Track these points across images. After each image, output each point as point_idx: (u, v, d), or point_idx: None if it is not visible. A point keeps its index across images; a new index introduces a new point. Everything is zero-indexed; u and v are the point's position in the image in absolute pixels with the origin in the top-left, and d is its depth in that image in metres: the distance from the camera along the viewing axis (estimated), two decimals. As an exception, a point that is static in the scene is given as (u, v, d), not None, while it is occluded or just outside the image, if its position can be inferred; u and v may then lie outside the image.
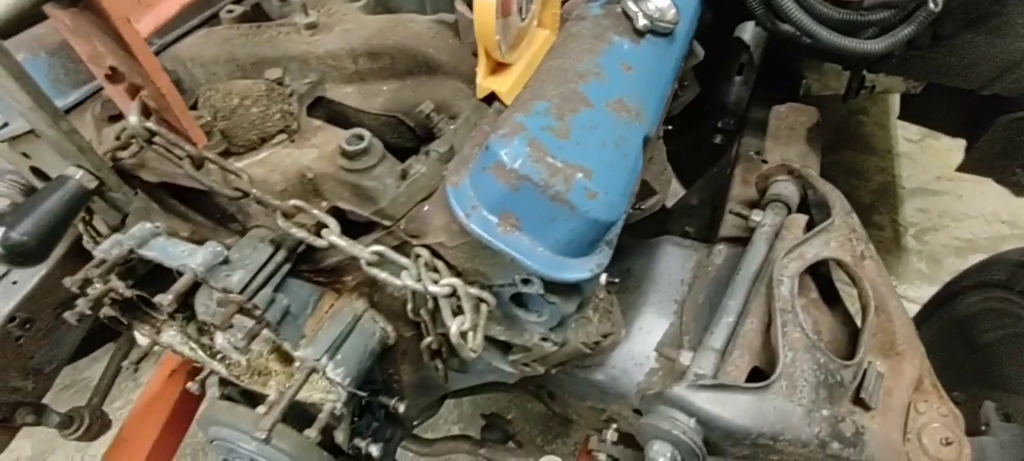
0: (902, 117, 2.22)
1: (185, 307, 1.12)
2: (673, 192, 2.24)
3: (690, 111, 1.62)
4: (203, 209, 1.09)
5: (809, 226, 1.26)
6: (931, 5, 1.06)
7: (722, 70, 1.70)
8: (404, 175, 0.92)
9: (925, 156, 2.91)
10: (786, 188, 1.31)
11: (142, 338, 1.24)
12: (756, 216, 1.29)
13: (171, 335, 1.19)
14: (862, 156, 2.96)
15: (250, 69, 1.08)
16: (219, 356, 1.16)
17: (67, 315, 1.05)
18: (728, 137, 1.78)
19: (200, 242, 1.05)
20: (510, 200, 0.83)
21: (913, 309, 1.83)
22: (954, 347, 1.60)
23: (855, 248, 1.19)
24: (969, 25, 1.38)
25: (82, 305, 1.03)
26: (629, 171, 0.91)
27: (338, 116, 1.09)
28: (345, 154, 0.91)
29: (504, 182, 0.82)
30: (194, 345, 1.17)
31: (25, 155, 1.17)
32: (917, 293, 2.45)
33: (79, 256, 1.29)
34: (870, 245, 1.22)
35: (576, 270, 0.87)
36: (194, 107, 1.03)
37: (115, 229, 1.14)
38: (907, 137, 2.99)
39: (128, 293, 1.05)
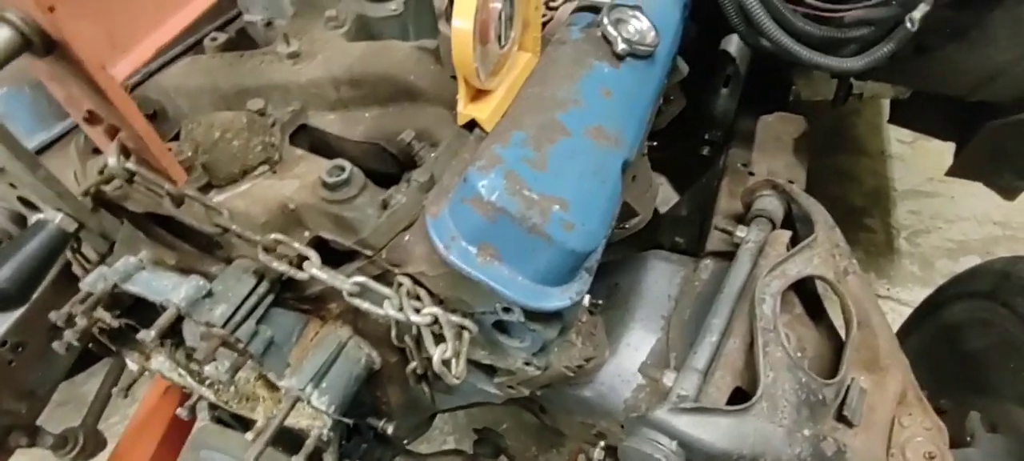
0: (892, 121, 2.22)
1: (173, 333, 1.13)
2: (666, 199, 2.25)
3: (679, 121, 1.63)
4: (189, 237, 1.10)
5: (794, 241, 1.27)
6: (907, 25, 1.06)
7: (708, 82, 1.71)
8: (385, 205, 0.93)
9: (917, 158, 2.92)
10: (770, 203, 1.31)
11: (132, 364, 1.25)
12: (741, 232, 1.30)
13: (160, 361, 1.20)
14: (854, 158, 2.96)
15: (233, 99, 1.09)
16: (208, 382, 1.17)
17: (56, 345, 1.06)
18: (716, 148, 1.79)
19: (187, 270, 1.06)
20: (488, 231, 0.84)
21: (906, 312, 1.84)
22: (942, 355, 1.61)
23: (838, 264, 1.20)
24: (951, 37, 1.39)
25: (70, 336, 1.04)
26: (607, 199, 0.91)
27: (321, 143, 1.10)
28: (326, 185, 0.92)
29: (482, 214, 0.83)
30: (183, 371, 1.18)
31: (12, 186, 1.18)
32: (910, 296, 2.46)
33: (70, 280, 1.30)
34: (853, 260, 1.23)
35: (555, 299, 0.88)
36: (177, 138, 1.04)
37: (104, 256, 1.15)
38: (899, 139, 2.99)
39: (115, 323, 1.06)
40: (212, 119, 0.96)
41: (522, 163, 0.85)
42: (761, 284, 1.11)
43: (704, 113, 1.73)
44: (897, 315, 2.11)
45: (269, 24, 1.27)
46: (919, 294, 1.87)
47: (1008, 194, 1.94)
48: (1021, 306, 1.30)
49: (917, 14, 1.05)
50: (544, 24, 1.20)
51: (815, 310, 1.26)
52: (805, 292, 1.26)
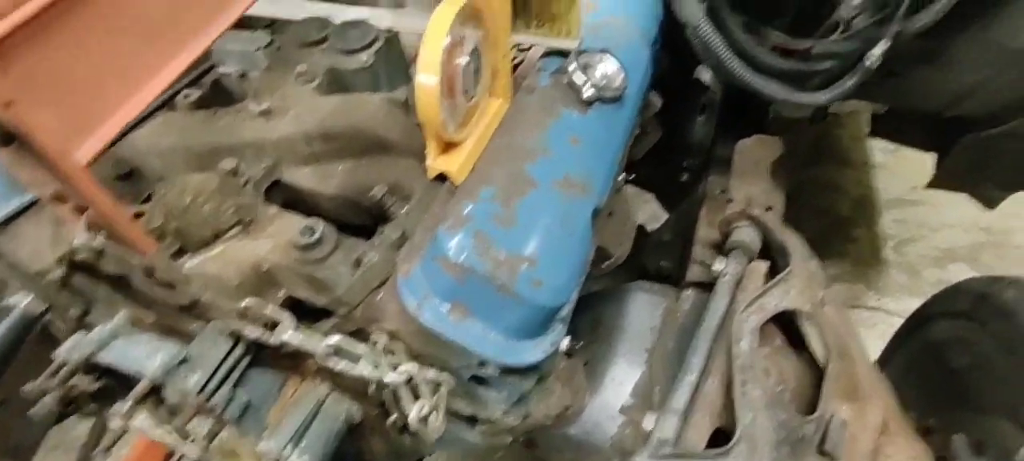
0: (872, 134, 2.25)
1: (154, 391, 1.13)
2: (655, 216, 2.25)
3: (657, 150, 1.64)
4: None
5: (772, 270, 1.27)
6: (866, 62, 1.08)
7: (684, 110, 1.72)
8: (358, 263, 0.93)
9: (901, 167, 2.93)
10: (747, 234, 1.32)
11: (114, 423, 1.24)
12: (718, 265, 1.31)
13: (142, 418, 1.20)
14: (839, 170, 2.98)
15: (206, 157, 1.09)
16: (191, 439, 1.17)
17: (32, 413, 1.06)
18: (695, 175, 1.80)
19: (166, 328, 1.06)
20: (459, 291, 0.84)
21: (896, 322, 1.84)
22: (929, 372, 1.61)
23: (815, 294, 1.21)
24: (920, 61, 1.41)
25: (48, 401, 1.04)
26: (576, 249, 0.92)
27: (295, 199, 1.10)
28: (298, 247, 0.92)
29: (452, 274, 0.83)
30: (166, 428, 1.18)
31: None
32: (898, 306, 2.46)
33: (51, 337, 1.29)
34: (829, 289, 1.23)
35: (529, 353, 0.88)
36: (149, 199, 1.05)
37: (83, 314, 1.15)
38: (882, 148, 3.01)
39: (93, 388, 1.06)
40: (183, 184, 0.97)
41: (490, 220, 0.86)
42: (738, 320, 1.12)
43: (681, 142, 1.74)
44: (887, 326, 2.11)
45: (243, 76, 1.28)
46: (908, 304, 1.88)
47: (989, 204, 1.96)
48: (998, 328, 1.31)
49: (877, 51, 1.06)
50: (515, 66, 1.21)
51: (795, 338, 1.26)
52: (785, 320, 1.26)
